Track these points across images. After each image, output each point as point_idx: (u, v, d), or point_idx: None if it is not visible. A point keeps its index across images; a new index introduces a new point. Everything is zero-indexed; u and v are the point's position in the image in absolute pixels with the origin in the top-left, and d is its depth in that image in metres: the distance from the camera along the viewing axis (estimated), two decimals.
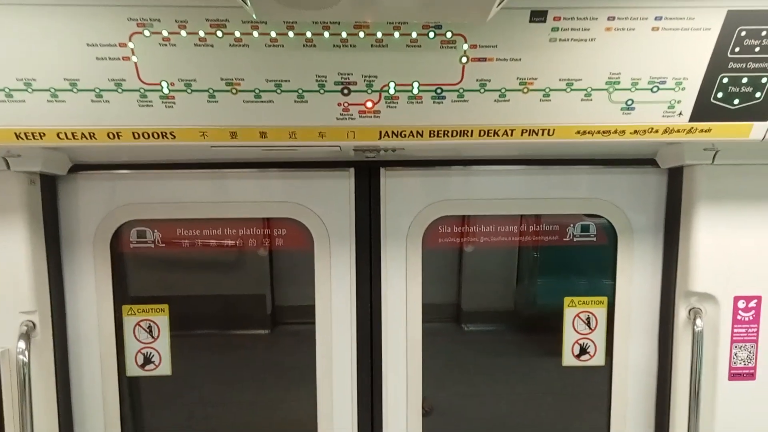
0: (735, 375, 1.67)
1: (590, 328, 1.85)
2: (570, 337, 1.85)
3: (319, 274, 1.77)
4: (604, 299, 1.83)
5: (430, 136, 1.40)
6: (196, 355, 3.20)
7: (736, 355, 1.66)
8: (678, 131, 1.41)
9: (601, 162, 1.75)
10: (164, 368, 1.84)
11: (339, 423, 1.82)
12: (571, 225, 1.84)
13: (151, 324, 1.82)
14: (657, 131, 1.41)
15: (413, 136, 1.40)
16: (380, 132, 1.39)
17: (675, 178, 1.72)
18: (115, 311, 1.78)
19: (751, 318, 1.64)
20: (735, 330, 1.65)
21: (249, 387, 2.88)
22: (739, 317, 1.65)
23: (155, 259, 2.72)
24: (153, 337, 1.82)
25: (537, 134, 1.40)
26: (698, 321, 1.63)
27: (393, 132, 1.39)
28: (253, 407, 2.80)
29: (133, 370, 1.82)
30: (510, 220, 1.85)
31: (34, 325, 1.59)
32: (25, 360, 1.53)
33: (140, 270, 2.37)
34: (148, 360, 1.83)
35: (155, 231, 1.82)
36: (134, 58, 1.29)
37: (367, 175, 1.75)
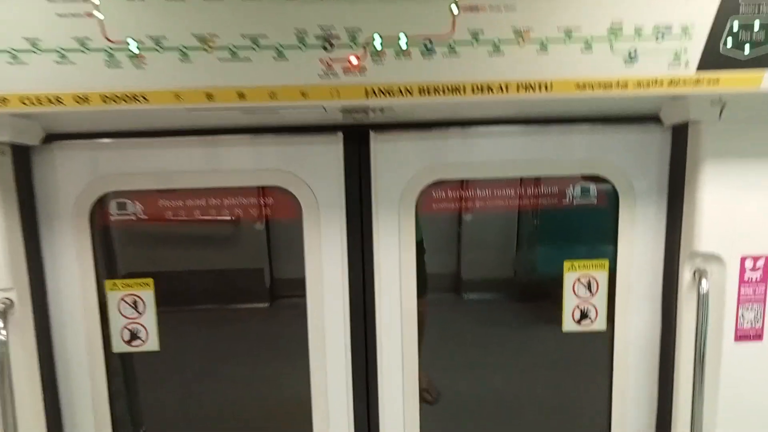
0: (741, 336, 1.61)
1: (591, 293, 1.79)
2: (570, 302, 1.80)
3: (309, 245, 1.70)
4: (605, 262, 1.77)
5: (420, 94, 1.31)
6: (192, 331, 3.17)
7: (742, 316, 1.61)
8: (684, 83, 1.32)
9: (601, 120, 1.66)
10: (152, 344, 1.78)
11: (333, 396, 1.77)
12: (571, 187, 1.76)
13: (137, 299, 1.76)
14: (662, 83, 1.32)
15: (402, 94, 1.31)
16: (366, 90, 1.30)
17: (679, 135, 1.64)
18: (99, 286, 1.71)
19: (758, 278, 1.58)
20: (742, 291, 1.59)
21: (246, 361, 2.85)
22: (746, 277, 1.58)
23: (142, 233, 2.65)
24: (139, 312, 1.76)
25: (534, 89, 1.31)
26: (703, 282, 1.57)
27: (380, 90, 1.31)
28: (250, 381, 2.77)
29: (119, 346, 1.77)
30: (507, 183, 1.77)
31: (11, 302, 1.53)
32: (3, 338, 1.47)
33: (129, 244, 2.31)
34: (134, 336, 1.77)
35: (137, 203, 1.74)
36: (98, 15, 1.20)
37: (357, 139, 1.67)
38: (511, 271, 4.37)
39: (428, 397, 2.71)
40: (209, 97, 1.28)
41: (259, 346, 2.40)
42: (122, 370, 2.29)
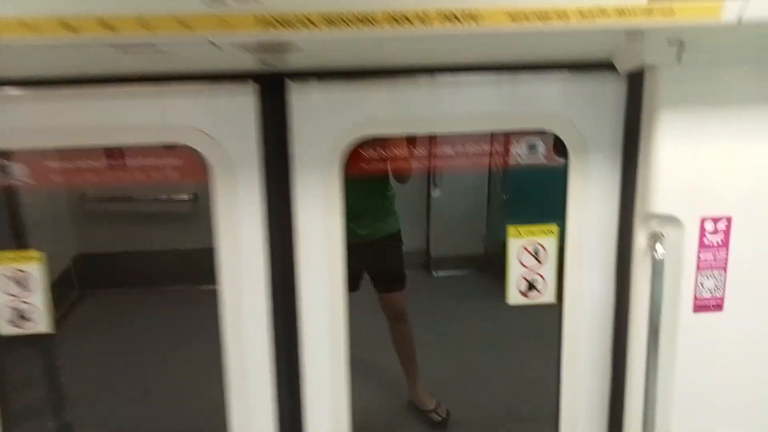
0: (700, 307, 1.46)
1: (539, 261, 1.62)
2: (515, 272, 1.62)
3: (221, 213, 1.49)
4: (554, 228, 1.60)
5: (325, 25, 1.11)
6: (141, 314, 2.97)
7: (701, 284, 1.45)
8: (634, 13, 1.13)
9: (548, 67, 1.47)
10: (42, 325, 1.57)
11: (253, 381, 1.58)
12: (517, 144, 1.58)
13: (24, 275, 1.54)
14: (608, 14, 1.13)
15: (304, 26, 1.11)
16: (260, 20, 1.10)
17: (635, 84, 1.46)
18: None
19: (719, 242, 1.42)
20: (701, 256, 1.43)
21: (189, 346, 2.66)
22: (705, 241, 1.42)
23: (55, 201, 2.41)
24: (26, 290, 1.55)
25: (459, 21, 1.12)
26: (658, 247, 1.41)
27: (277, 20, 1.10)
28: (192, 366, 2.58)
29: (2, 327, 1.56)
30: (443, 140, 1.58)
31: None
32: None
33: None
34: (21, 316, 1.56)
35: (22, 165, 1.52)
36: None
37: (273, 89, 1.46)
38: (482, 247, 4.22)
39: (436, 417, 2.52)
40: (68, 27, 1.07)
41: (208, 329, 2.19)
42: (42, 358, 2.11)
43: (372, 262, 2.58)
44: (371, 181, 2.33)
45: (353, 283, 2.50)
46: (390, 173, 2.21)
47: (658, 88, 1.37)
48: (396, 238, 2.53)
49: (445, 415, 2.58)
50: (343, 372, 1.59)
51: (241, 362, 1.56)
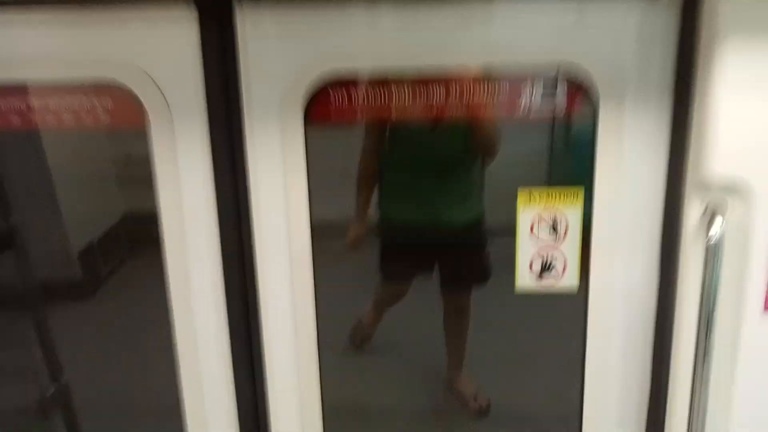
0: None
1: (557, 236, 1.28)
2: (527, 249, 1.30)
3: (162, 170, 1.26)
4: (579, 192, 1.25)
5: None
6: None
7: None
8: None
9: None
10: None
11: (208, 368, 1.37)
12: (528, 90, 1.22)
13: None
14: None
15: None
16: None
17: (689, 10, 1.08)
18: None
19: None
20: None
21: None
22: None
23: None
24: None
25: None
26: (717, 223, 1.05)
27: None
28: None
29: None
30: (434, 83, 1.24)
31: None
32: None
33: None
34: None
35: None
36: None
37: (219, 16, 1.18)
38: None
39: (476, 405, 2.20)
40: None
41: None
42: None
43: (445, 254, 2.12)
44: (448, 158, 1.91)
45: (424, 276, 2.14)
46: (472, 147, 1.77)
47: (718, 17, 1.01)
48: (477, 227, 2.08)
49: (485, 404, 2.24)
50: (312, 357, 1.35)
51: (193, 347, 1.35)
